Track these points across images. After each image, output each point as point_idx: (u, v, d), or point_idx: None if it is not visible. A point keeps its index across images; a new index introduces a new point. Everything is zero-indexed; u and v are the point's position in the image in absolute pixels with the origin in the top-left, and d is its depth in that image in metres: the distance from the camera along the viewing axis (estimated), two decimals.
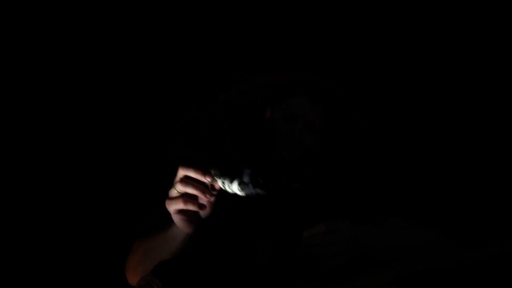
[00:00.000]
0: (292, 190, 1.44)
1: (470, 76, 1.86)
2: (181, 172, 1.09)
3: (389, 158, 1.77)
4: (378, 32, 1.88)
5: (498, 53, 1.85)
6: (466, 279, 1.15)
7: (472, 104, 1.85)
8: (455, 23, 1.86)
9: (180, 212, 1.10)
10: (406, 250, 1.28)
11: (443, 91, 1.87)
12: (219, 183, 1.09)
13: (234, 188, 1.08)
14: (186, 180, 1.08)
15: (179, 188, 1.08)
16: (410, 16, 1.87)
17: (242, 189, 1.07)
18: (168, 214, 1.14)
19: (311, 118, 1.45)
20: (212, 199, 1.09)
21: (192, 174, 1.08)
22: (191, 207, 1.08)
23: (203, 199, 1.09)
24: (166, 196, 1.11)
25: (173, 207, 1.10)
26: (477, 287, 1.14)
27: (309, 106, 1.45)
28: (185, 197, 1.09)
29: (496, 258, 1.17)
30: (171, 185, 1.11)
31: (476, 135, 1.83)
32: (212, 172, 1.09)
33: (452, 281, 1.15)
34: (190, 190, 1.08)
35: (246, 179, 1.07)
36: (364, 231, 1.24)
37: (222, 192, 1.12)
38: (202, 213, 1.12)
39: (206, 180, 1.07)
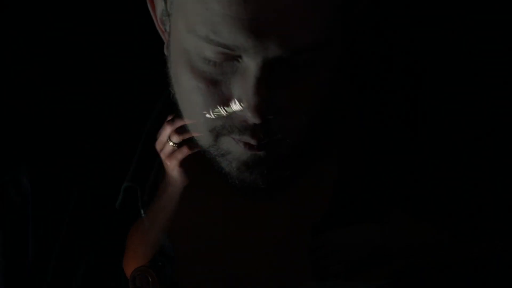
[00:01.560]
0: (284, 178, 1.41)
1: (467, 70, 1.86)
2: (177, 123, 0.96)
3: (388, 151, 1.77)
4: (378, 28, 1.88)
5: (499, 53, 1.86)
6: (464, 274, 1.15)
7: (466, 99, 1.86)
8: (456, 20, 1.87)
9: (180, 164, 0.99)
10: (405, 244, 1.28)
11: (441, 86, 1.88)
12: None
13: None
14: (181, 131, 0.96)
15: (176, 139, 0.97)
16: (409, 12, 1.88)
17: None
18: None
19: None
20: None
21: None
22: (186, 151, 0.96)
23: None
24: None
25: (178, 157, 0.98)
26: (475, 282, 1.14)
27: None
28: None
29: (495, 253, 1.17)
30: None
31: (476, 130, 1.84)
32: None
33: (449, 276, 1.15)
34: (187, 135, 0.95)
35: None
36: (358, 230, 1.23)
37: None
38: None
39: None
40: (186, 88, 0.83)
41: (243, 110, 0.78)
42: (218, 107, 0.80)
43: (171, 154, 1.01)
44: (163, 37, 0.91)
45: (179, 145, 0.97)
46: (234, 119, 0.82)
